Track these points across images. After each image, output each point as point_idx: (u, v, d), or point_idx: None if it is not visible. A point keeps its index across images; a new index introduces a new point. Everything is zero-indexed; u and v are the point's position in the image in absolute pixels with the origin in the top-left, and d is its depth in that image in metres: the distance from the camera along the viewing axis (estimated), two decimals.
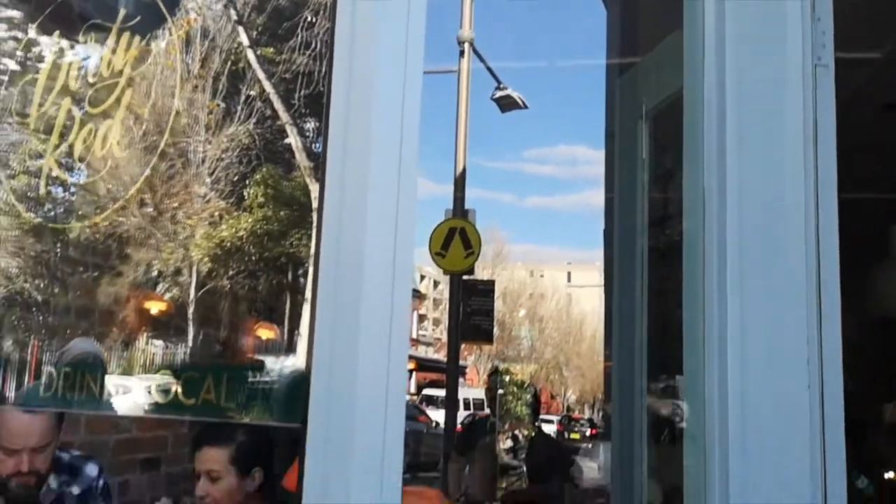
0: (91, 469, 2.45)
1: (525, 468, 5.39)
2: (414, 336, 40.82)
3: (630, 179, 2.05)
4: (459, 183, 9.19)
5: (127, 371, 1.80)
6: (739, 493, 1.21)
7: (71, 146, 1.87)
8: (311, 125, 1.87)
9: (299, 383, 1.05)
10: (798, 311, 1.26)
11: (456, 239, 8.42)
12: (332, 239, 1.02)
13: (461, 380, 20.28)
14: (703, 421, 1.25)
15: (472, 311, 9.49)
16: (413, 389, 30.86)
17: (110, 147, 1.83)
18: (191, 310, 1.89)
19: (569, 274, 57.42)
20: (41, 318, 2.07)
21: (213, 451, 2.22)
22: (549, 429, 24.75)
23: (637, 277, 2.05)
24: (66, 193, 2.13)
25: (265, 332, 1.74)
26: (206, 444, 2.25)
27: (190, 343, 1.75)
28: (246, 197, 1.82)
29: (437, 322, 43.92)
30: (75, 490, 2.39)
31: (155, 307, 1.99)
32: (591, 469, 4.98)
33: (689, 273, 1.35)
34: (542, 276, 52.93)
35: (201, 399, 1.66)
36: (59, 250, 2.01)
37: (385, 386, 0.99)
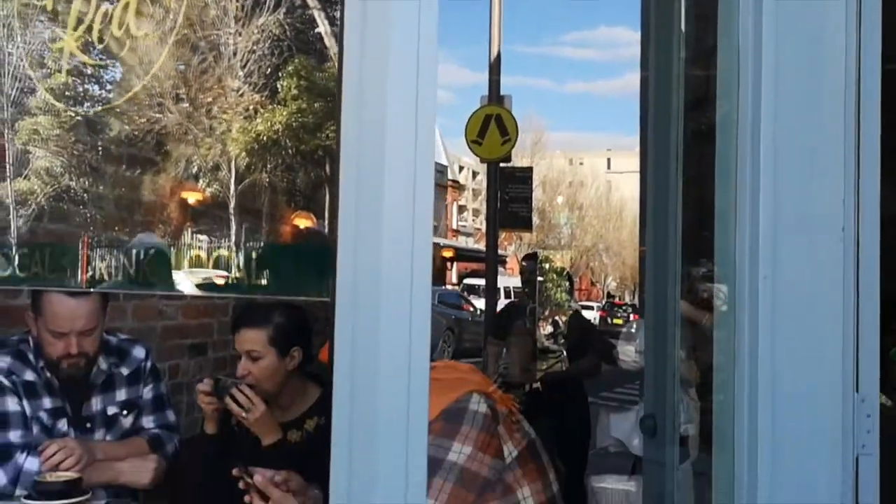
0: (138, 351, 2.57)
1: (564, 350, 5.50)
2: (454, 227, 41.03)
3: (665, 55, 1.99)
4: (494, 68, 8.98)
5: (174, 265, 1.87)
6: (769, 365, 1.22)
7: (89, 31, 1.88)
8: (339, 12, 1.84)
9: (327, 259, 1.08)
10: (834, 183, 1.24)
11: (492, 126, 8.31)
12: (353, 112, 1.03)
13: (502, 269, 20.51)
14: (734, 295, 1.26)
15: (510, 199, 9.45)
16: (455, 279, 31.31)
17: (140, 40, 1.83)
18: (232, 204, 1.92)
19: (608, 160, 56.65)
20: (88, 214, 2.13)
21: (252, 332, 2.31)
22: (590, 315, 25.08)
23: (672, 159, 2.03)
24: (103, 91, 2.15)
25: (302, 221, 1.78)
26: (244, 326, 2.34)
27: (233, 237, 1.79)
28: (279, 89, 1.81)
29: (476, 212, 43.98)
30: (124, 371, 2.51)
31: (198, 203, 2.04)
32: (629, 352, 5.06)
33: (722, 144, 1.32)
34: (581, 163, 52.32)
35: (231, 278, 1.72)
36: (100, 148, 2.05)
37: (410, 260, 1.01)
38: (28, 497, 2.13)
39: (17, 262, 1.95)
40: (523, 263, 5.49)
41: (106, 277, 1.89)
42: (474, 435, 1.66)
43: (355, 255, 1.02)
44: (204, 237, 1.84)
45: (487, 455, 1.66)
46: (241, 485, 1.94)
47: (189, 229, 1.98)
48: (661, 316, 2.04)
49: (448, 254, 29.36)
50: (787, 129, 1.24)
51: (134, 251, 1.85)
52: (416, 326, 1.02)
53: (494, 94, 8.79)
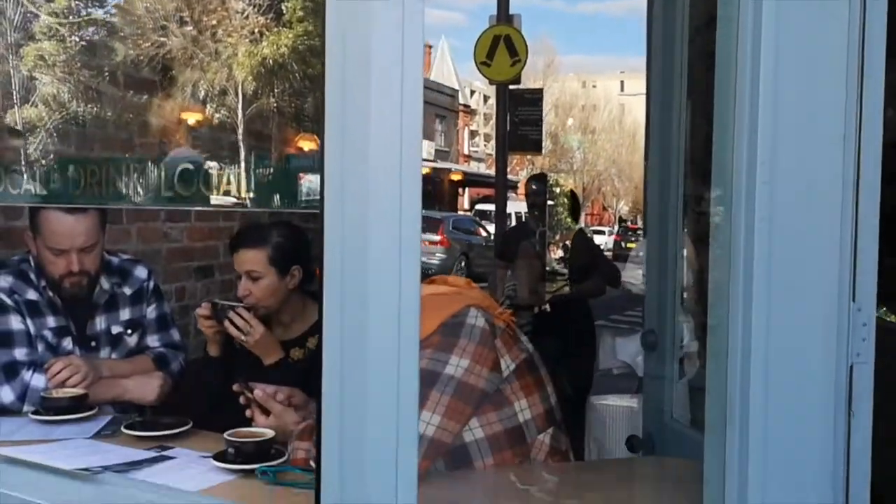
0: (140, 271, 2.59)
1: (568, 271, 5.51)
2: (465, 152, 40.71)
3: None
4: None
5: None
6: (764, 273, 1.23)
7: None
8: None
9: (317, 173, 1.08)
10: (836, 89, 1.22)
11: (501, 47, 8.12)
12: (338, 34, 1.02)
13: (513, 194, 20.45)
14: (731, 203, 1.25)
15: (520, 122, 9.31)
16: (467, 206, 31.27)
17: None
18: (240, 130, 1.93)
19: (621, 83, 55.59)
20: (94, 138, 2.15)
21: (251, 252, 2.33)
22: (604, 239, 25.06)
23: (676, 75, 2.01)
24: (107, 14, 2.14)
25: (307, 143, 1.79)
26: (243, 247, 2.36)
27: (242, 163, 1.81)
28: (285, 11, 1.80)
29: (487, 138, 43.53)
30: (127, 291, 2.54)
31: (202, 126, 2.05)
32: (636, 276, 5.07)
33: (722, 50, 1.30)
34: (594, 86, 51.41)
35: (221, 191, 1.74)
36: (106, 73, 2.05)
37: (398, 168, 1.01)
38: (35, 413, 2.19)
39: (27, 182, 1.98)
40: (532, 186, 5.37)
41: (116, 194, 1.91)
42: (472, 348, 1.67)
43: (342, 172, 1.01)
44: (214, 163, 1.85)
45: (485, 368, 1.68)
46: (241, 400, 2.00)
47: (199, 154, 1.99)
48: (664, 233, 2.06)
49: (457, 177, 29.15)
50: (788, 31, 1.22)
51: (158, 169, 1.86)
52: (406, 242, 1.01)
53: (503, 14, 8.57)
